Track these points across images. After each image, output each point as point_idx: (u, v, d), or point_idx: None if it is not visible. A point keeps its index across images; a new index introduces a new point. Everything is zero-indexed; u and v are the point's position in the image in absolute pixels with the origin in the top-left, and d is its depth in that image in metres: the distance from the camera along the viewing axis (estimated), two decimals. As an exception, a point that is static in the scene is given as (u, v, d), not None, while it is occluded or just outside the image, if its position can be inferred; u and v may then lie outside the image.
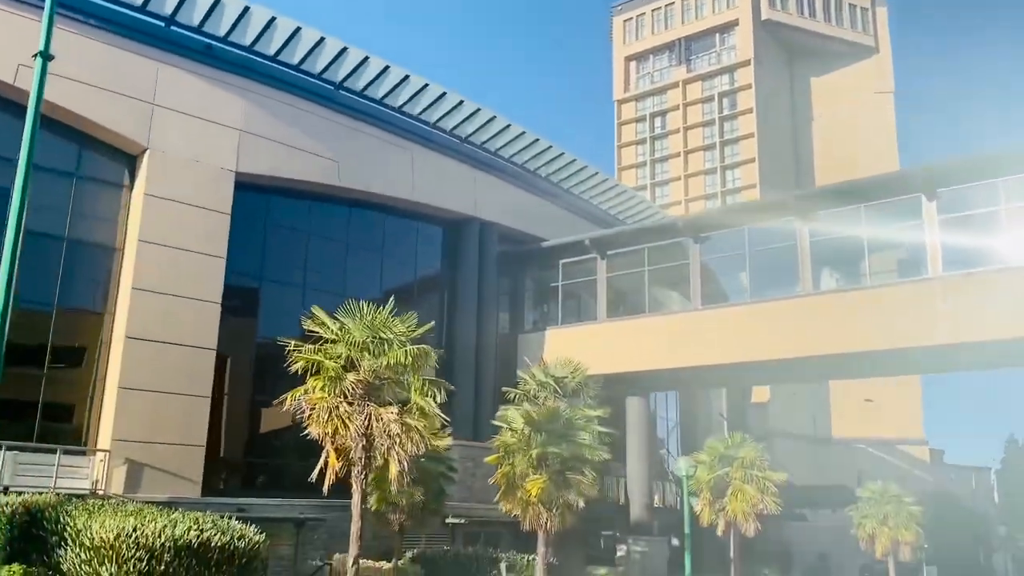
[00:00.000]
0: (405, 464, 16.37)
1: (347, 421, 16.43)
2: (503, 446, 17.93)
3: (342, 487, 28.64)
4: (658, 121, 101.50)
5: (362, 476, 17.04)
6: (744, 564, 47.10)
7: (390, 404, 17.02)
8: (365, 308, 17.85)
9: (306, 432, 17.03)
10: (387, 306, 17.86)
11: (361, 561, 27.32)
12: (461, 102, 34.11)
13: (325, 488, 17.37)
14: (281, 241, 29.40)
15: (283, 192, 29.39)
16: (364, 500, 17.84)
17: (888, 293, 27.76)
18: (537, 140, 37.14)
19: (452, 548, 28.94)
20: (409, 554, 27.83)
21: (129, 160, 26.05)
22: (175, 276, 25.23)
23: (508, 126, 35.94)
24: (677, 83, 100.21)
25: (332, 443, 16.50)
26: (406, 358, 16.87)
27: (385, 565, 26.52)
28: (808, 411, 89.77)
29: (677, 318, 32.72)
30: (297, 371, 17.51)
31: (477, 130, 35.59)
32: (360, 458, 16.66)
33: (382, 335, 17.11)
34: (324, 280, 30.16)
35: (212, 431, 26.05)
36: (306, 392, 16.72)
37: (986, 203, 26.94)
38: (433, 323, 19.62)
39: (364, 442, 16.37)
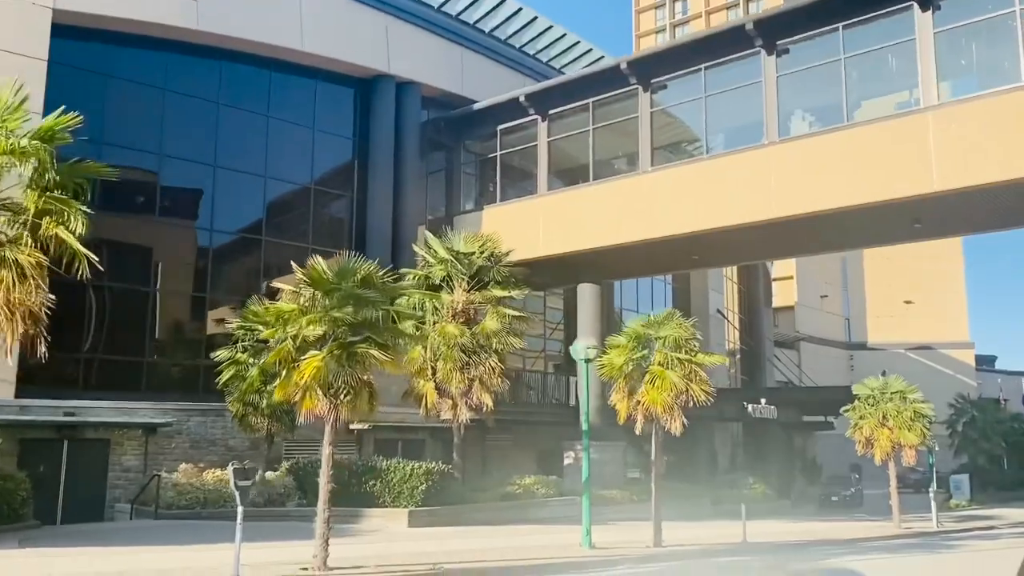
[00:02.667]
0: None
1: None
2: (276, 316, 13.08)
3: (209, 389, 24.51)
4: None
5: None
6: (757, 477, 42.47)
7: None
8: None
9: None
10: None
11: (215, 471, 23.28)
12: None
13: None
14: (125, 100, 24.43)
15: (126, 40, 24.28)
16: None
17: (877, 132, 21.88)
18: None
19: (349, 458, 24.43)
20: (285, 465, 23.46)
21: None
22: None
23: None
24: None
25: None
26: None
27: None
28: (841, 316, 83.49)
29: (624, 184, 27.20)
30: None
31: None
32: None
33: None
34: (186, 148, 25.25)
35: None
36: None
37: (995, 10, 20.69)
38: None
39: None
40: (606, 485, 28.32)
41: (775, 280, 79.62)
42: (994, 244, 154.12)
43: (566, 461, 29.46)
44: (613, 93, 27.63)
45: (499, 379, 22.80)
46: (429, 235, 24.15)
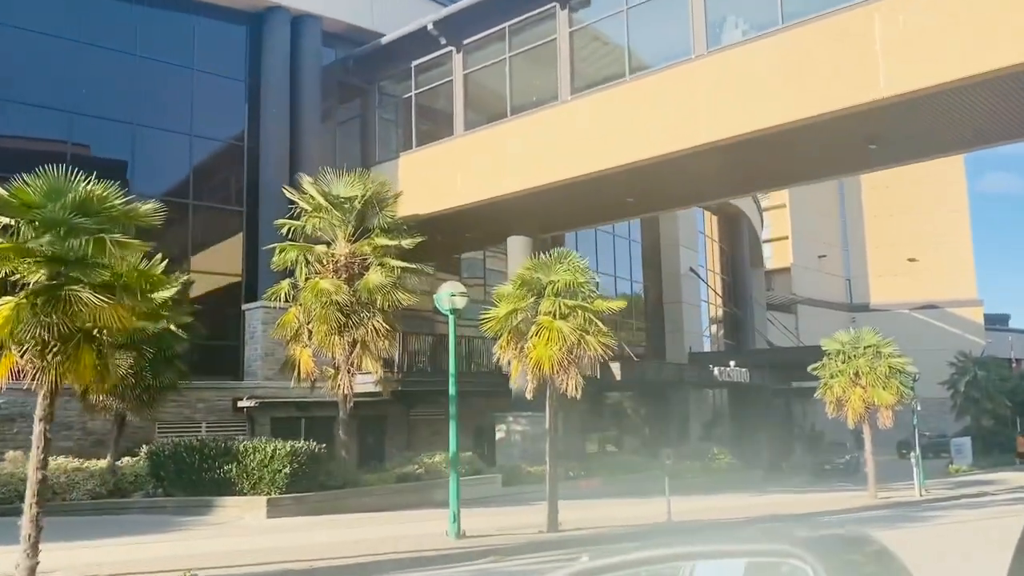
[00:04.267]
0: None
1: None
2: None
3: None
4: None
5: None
6: (718, 442, 39.29)
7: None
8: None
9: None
10: None
11: (62, 458, 20.21)
12: None
13: None
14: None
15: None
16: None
17: (815, 34, 18.36)
18: None
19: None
20: (144, 449, 20.34)
21: None
22: None
23: None
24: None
25: None
26: None
27: (95, 463, 19.10)
28: (842, 277, 79.65)
29: (542, 118, 23.78)
30: None
31: None
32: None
33: None
34: (39, 92, 22.04)
35: None
36: None
37: None
38: None
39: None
40: (540, 460, 25.10)
41: (769, 241, 75.96)
42: (1002, 198, 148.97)
43: (498, 436, 26.26)
44: (530, 14, 24.14)
45: (386, 342, 19.61)
46: (305, 179, 20.87)
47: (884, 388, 26.11)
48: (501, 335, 16.29)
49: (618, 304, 17.42)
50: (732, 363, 35.31)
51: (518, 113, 24.34)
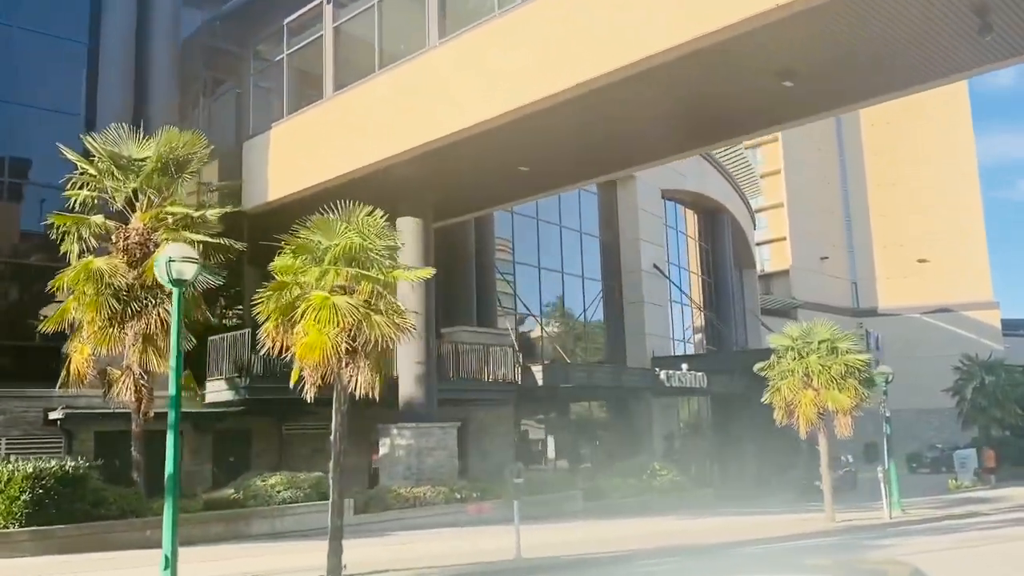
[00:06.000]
0: None
1: None
2: None
3: None
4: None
5: None
6: (689, 455, 34.93)
7: None
8: None
9: None
10: None
11: None
12: None
13: None
14: None
15: None
16: None
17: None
18: None
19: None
20: None
21: None
22: None
23: None
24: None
25: None
26: None
27: None
28: (846, 280, 74.88)
29: (408, 70, 19.87)
30: None
31: None
32: None
33: None
34: None
35: None
36: None
37: None
38: None
39: None
40: (425, 480, 21.11)
41: (766, 243, 71.49)
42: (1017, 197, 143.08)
43: (381, 451, 22.24)
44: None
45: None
46: (91, 139, 17.05)
47: (839, 390, 21.84)
48: (269, 318, 12.32)
49: (423, 273, 13.35)
50: (685, 366, 31.05)
51: (387, 67, 20.47)
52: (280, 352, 12.41)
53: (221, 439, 22.17)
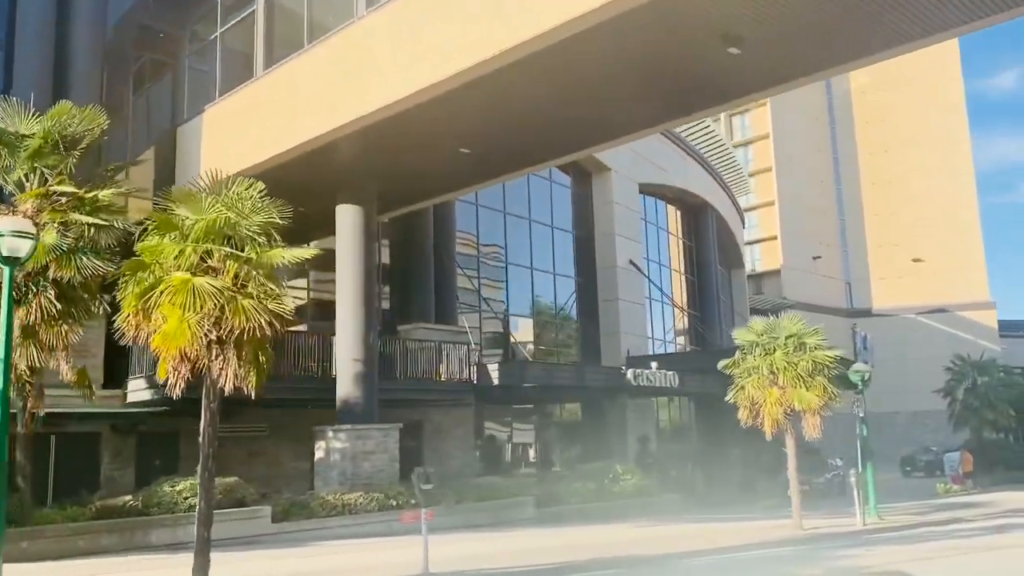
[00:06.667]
0: None
1: None
2: None
3: None
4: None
5: None
6: (668, 458, 33.33)
7: None
8: None
9: None
10: None
11: None
12: None
13: None
14: None
15: None
16: None
17: None
18: None
19: None
20: None
21: None
22: None
23: None
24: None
25: None
26: None
27: None
28: (840, 280, 73.25)
29: (338, 42, 18.48)
30: None
31: None
32: None
33: None
34: None
35: None
36: None
37: None
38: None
39: None
40: (361, 485, 19.65)
41: (757, 242, 69.96)
42: (1014, 199, 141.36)
43: (317, 455, 20.80)
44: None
45: (66, 330, 14.27)
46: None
47: (807, 388, 20.38)
48: (130, 304, 10.90)
49: (302, 253, 11.89)
50: (654, 365, 29.58)
51: (316, 40, 19.08)
52: (144, 342, 10.99)
53: (145, 442, 20.78)
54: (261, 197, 11.08)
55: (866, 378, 24.67)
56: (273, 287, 10.71)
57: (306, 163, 19.69)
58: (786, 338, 21.23)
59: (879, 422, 68.64)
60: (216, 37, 22.28)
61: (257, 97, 20.51)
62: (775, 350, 20.99)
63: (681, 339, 45.20)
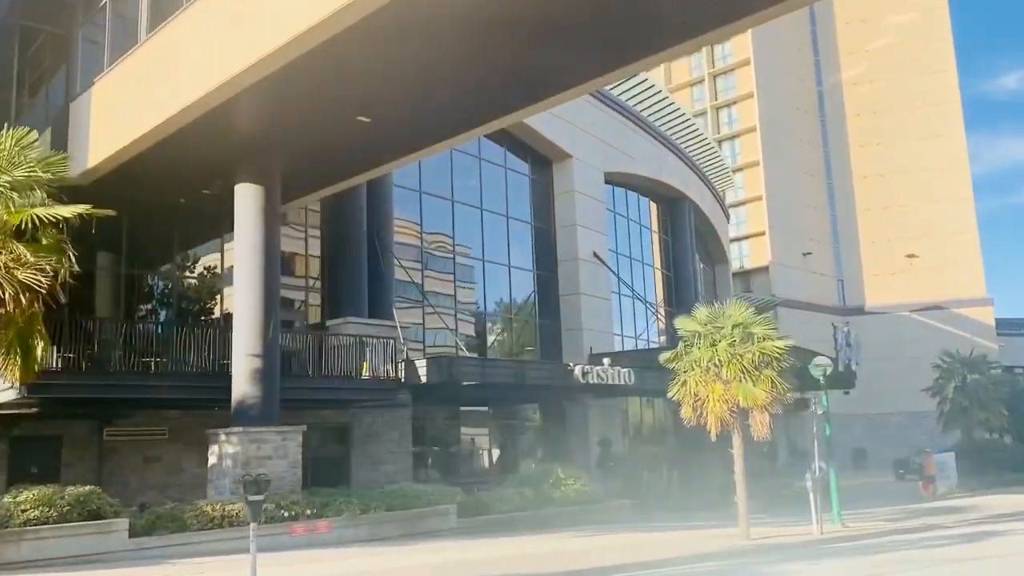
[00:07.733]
0: None
1: None
2: None
3: None
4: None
5: None
6: (642, 462, 31.16)
7: None
8: None
9: None
10: None
11: None
12: None
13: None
14: None
15: None
16: None
17: None
18: None
19: None
20: None
21: None
22: None
23: None
24: None
25: None
26: None
27: None
28: (832, 277, 70.97)
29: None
30: None
31: None
32: None
33: None
34: None
35: None
36: None
37: None
38: None
39: None
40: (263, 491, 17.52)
41: (744, 238, 67.80)
42: (1008, 198, 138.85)
43: (210, 460, 18.73)
44: None
45: None
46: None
47: (753, 382, 18.27)
48: None
49: (65, 211, 9.83)
50: (607, 361, 27.41)
51: (193, -1, 17.04)
52: None
53: (20, 448, 18.70)
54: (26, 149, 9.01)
55: (827, 372, 22.54)
56: (31, 256, 8.65)
57: (197, 134, 17.67)
58: (732, 327, 19.10)
59: (874, 423, 66.48)
60: (105, 3, 20.26)
61: (143, 62, 18.46)
62: (720, 340, 18.86)
63: (662, 338, 42.99)
